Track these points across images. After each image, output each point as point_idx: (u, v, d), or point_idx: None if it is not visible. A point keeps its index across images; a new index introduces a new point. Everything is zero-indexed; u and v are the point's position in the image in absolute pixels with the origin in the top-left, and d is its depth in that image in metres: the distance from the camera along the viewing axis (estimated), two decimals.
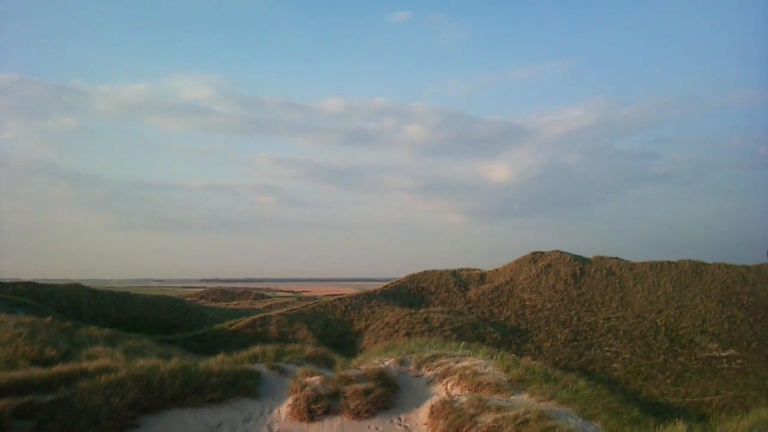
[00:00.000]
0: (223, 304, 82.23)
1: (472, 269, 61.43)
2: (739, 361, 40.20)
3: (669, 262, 56.57)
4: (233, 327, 45.94)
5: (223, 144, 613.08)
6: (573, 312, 49.11)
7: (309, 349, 16.24)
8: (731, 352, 41.58)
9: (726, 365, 39.98)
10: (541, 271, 56.31)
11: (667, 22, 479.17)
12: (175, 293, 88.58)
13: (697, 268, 55.20)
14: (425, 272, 59.72)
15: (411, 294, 55.64)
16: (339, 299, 53.86)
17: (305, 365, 14.22)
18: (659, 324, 46.12)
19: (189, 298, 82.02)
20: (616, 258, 59.27)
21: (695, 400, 34.92)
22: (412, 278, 58.96)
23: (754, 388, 35.92)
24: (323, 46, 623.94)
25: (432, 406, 11.27)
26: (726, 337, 43.61)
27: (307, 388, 12.13)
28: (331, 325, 47.33)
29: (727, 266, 55.23)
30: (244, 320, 47.37)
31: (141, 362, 12.87)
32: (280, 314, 48.56)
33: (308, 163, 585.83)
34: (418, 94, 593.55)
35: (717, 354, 41.57)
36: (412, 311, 48.21)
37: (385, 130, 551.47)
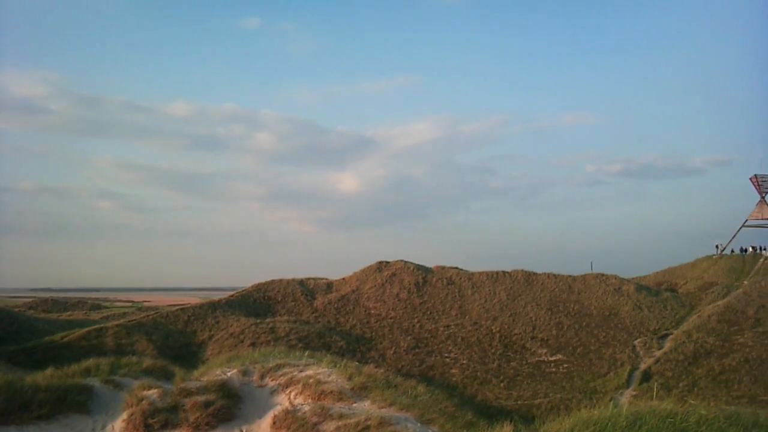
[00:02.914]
0: (54, 315, 76.77)
1: (320, 278, 61.66)
2: (565, 365, 43.14)
3: (504, 272, 59.71)
4: (65, 339, 43.17)
5: (59, 144, 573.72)
6: (415, 320, 50.61)
7: (147, 362, 15.67)
8: (558, 356, 44.56)
9: (554, 369, 42.76)
10: (386, 280, 57.56)
11: (505, 43, 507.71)
12: (0, 303, 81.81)
13: (529, 277, 58.73)
14: (272, 281, 59.21)
15: (257, 303, 54.93)
16: (182, 309, 52.13)
17: (143, 378, 13.70)
18: (494, 331, 48.58)
19: (16, 309, 75.87)
20: (456, 268, 61.73)
21: (526, 402, 37.06)
22: (258, 287, 58.23)
23: (578, 391, 38.66)
24: (168, 48, 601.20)
25: (275, 416, 11.24)
26: (554, 342, 46.69)
27: (143, 402, 11.70)
28: (173, 336, 45.71)
29: (556, 276, 59.23)
30: (78, 332, 44.64)
31: None
32: (117, 325, 46.23)
33: (152, 168, 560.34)
34: (269, 102, 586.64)
35: (546, 359, 44.39)
36: (258, 321, 47.61)
37: (234, 136, 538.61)
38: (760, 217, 74.19)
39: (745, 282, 60.93)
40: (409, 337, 47.28)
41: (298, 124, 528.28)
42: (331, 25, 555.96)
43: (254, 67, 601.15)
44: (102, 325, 47.07)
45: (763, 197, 73.31)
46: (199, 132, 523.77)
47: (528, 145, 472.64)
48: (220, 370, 14.16)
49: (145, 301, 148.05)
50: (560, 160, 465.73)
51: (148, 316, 51.31)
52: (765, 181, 73.15)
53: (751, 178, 73.79)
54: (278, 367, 13.99)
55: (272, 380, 13.37)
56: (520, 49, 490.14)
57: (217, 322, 48.05)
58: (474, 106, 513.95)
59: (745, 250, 72.15)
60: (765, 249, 71.87)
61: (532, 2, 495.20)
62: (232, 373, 13.70)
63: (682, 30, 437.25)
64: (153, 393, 12.13)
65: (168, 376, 14.61)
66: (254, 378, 13.54)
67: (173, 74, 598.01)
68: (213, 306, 52.54)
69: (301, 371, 13.63)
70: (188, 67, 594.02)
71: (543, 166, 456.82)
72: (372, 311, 52.46)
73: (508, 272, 59.79)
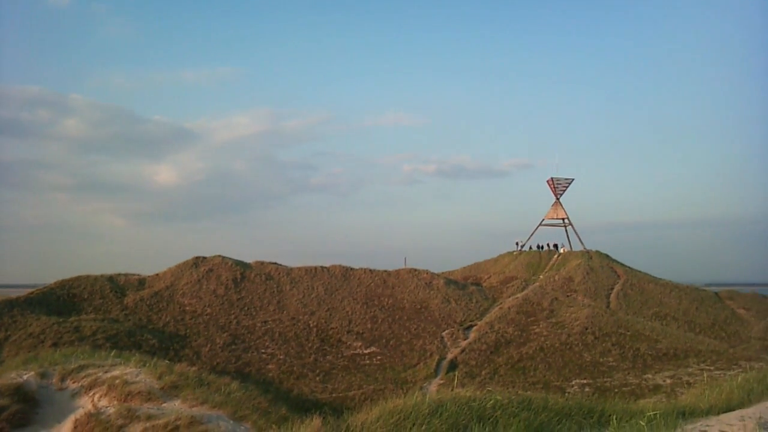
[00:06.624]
0: None
1: (131, 274, 58.90)
2: (379, 357, 44.68)
3: (322, 267, 60.67)
4: None
5: None
6: (232, 316, 49.99)
7: None
8: (373, 349, 46.05)
9: (368, 361, 44.13)
10: (203, 276, 56.29)
11: (330, 39, 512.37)
12: None
13: (346, 272, 60.12)
14: (78, 277, 55.62)
15: (61, 301, 51.39)
16: None
17: None
18: (312, 325, 49.21)
19: None
20: (275, 263, 61.74)
21: (340, 395, 37.93)
22: (62, 284, 54.45)
23: (391, 381, 40.18)
24: None
25: (76, 420, 10.86)
26: (369, 335, 48.18)
27: None
28: None
29: (372, 271, 61.16)
30: None
31: None
32: None
33: None
34: (79, 87, 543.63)
35: (361, 351, 45.70)
36: (61, 320, 44.61)
37: (39, 122, 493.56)
38: (555, 217, 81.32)
39: (541, 276, 66.75)
40: (225, 334, 46.62)
41: (111, 112, 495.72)
42: (148, 10, 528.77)
43: (63, 49, 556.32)
44: None
45: (557, 199, 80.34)
46: None
47: (349, 143, 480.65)
48: (15, 373, 13.36)
49: None
50: (380, 159, 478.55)
51: None
52: (560, 183, 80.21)
53: (548, 181, 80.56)
54: (81, 368, 13.46)
55: (74, 382, 12.85)
56: (345, 46, 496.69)
57: (14, 322, 44.40)
58: (297, 102, 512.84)
59: (542, 247, 78.86)
60: (561, 246, 78.99)
61: None
62: (28, 375, 12.98)
63: (493, 38, 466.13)
64: None
65: None
66: (54, 380, 12.95)
67: None
68: (10, 304, 48.44)
69: (106, 372, 13.21)
70: None
71: (363, 164, 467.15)
72: (187, 308, 51.08)
73: (326, 267, 60.79)
